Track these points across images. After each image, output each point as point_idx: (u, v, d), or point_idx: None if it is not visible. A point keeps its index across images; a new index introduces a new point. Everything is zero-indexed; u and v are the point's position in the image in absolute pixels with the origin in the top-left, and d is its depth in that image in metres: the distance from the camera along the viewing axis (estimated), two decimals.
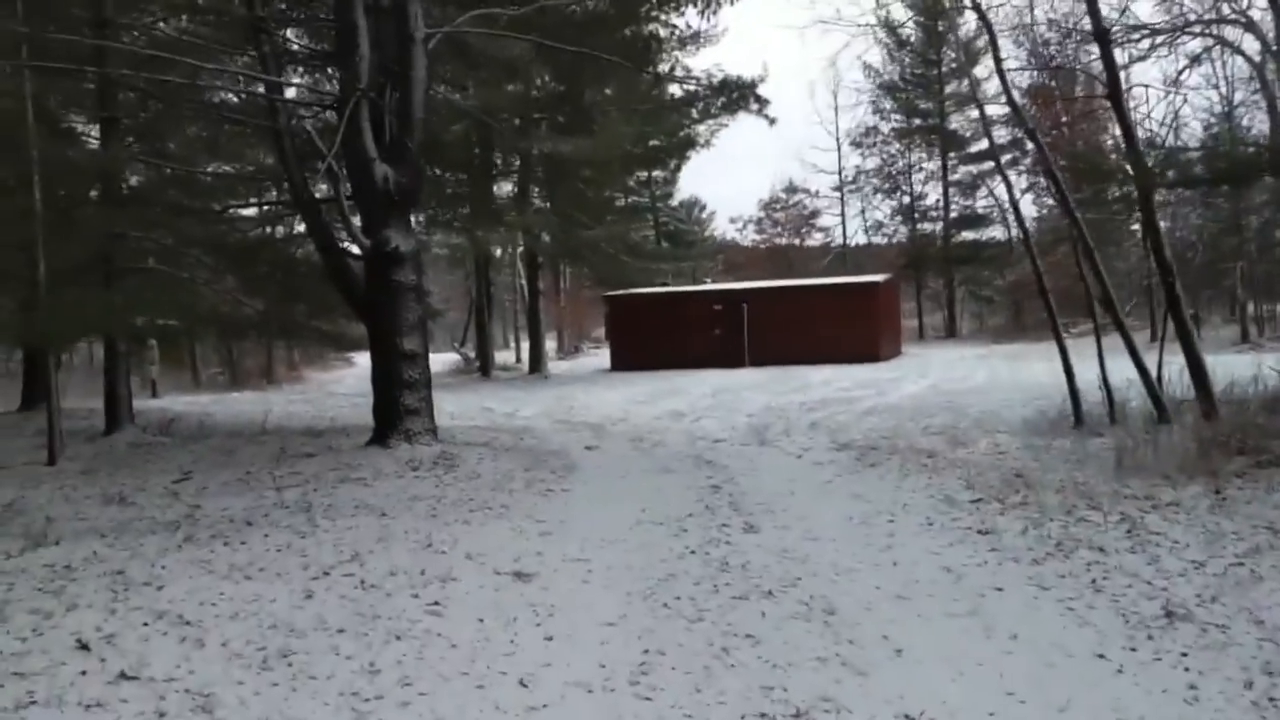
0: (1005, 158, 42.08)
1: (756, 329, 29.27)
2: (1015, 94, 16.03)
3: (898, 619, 5.12)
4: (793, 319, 29.01)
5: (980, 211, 44.37)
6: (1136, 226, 38.19)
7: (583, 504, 8.98)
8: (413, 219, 13.24)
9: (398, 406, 11.61)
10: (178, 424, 17.07)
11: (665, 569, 6.31)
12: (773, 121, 14.02)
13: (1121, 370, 12.84)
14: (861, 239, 48.21)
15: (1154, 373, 12.57)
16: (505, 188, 31.53)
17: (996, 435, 12.70)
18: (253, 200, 17.15)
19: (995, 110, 41.50)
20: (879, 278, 32.12)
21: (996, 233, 44.48)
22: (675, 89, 31.10)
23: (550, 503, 9.03)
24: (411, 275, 11.71)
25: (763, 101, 13.68)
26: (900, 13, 42.27)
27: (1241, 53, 34.45)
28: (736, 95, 13.72)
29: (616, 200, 35.85)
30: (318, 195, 12.85)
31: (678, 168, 46.53)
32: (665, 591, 5.77)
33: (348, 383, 31.24)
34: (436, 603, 5.60)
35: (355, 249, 11.83)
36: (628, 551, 6.92)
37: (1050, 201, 41.38)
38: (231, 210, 16.52)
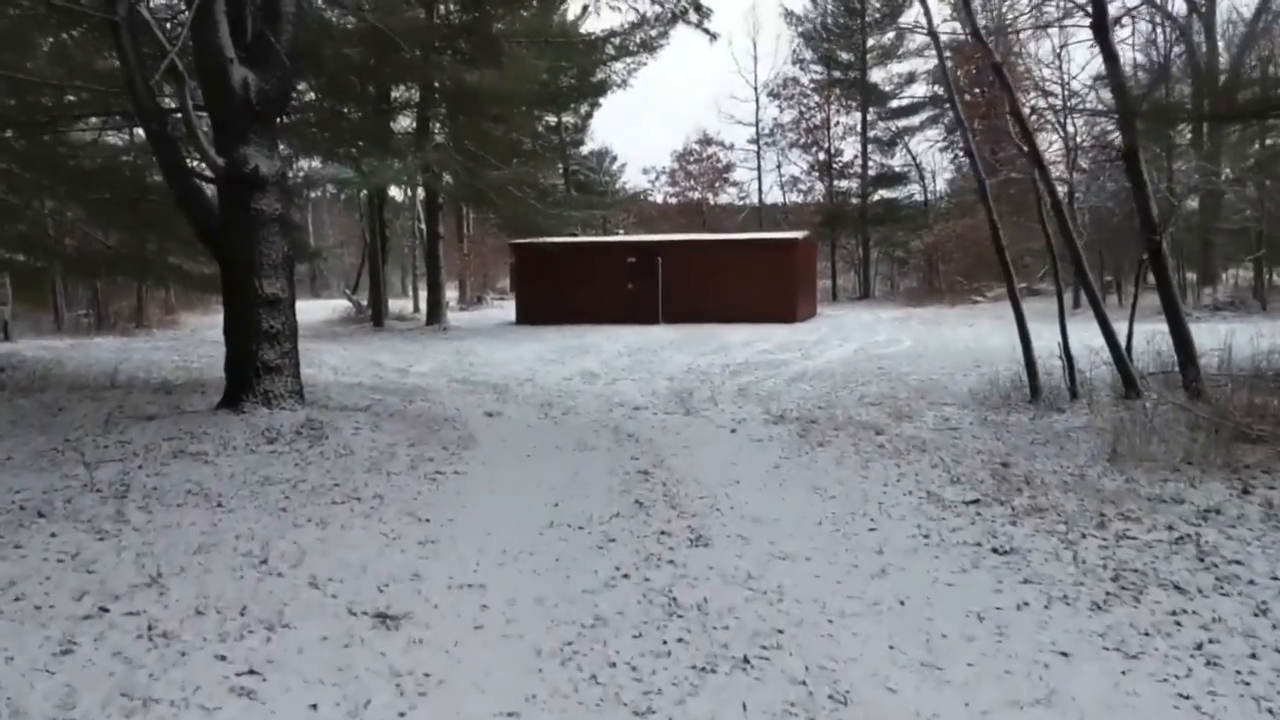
0: (930, 113, 41.28)
1: (671, 284, 27.64)
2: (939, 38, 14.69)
3: (942, 712, 3.47)
4: (709, 275, 27.43)
5: (898, 170, 43.26)
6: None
7: (480, 493, 7.17)
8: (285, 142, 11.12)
9: (254, 362, 9.58)
10: (9, 374, 14.74)
11: (589, 607, 4.55)
12: (714, 37, 12.27)
13: (1089, 342, 11.55)
14: (776, 195, 46.80)
15: (1121, 341, 11.33)
16: (404, 123, 29.16)
17: (943, 408, 11.32)
18: (91, 115, 14.59)
19: (925, 64, 40.56)
20: (798, 234, 30.69)
21: (913, 192, 43.53)
22: (590, 25, 29.23)
23: (438, 492, 7.19)
24: (275, 204, 9.64)
25: (704, 11, 11.86)
26: None
27: (1169, 15, 33.72)
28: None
29: (524, 143, 33.68)
30: (167, 105, 10.61)
31: (589, 114, 44.51)
32: (592, 652, 3.99)
33: None
34: (252, 670, 3.75)
35: (209, 170, 9.71)
36: (537, 573, 5.14)
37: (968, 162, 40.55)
38: (58, 121, 14.02)
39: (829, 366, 16.18)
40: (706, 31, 12.32)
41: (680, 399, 12.62)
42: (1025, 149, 12.17)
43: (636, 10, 12.60)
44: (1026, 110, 32.51)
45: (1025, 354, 11.67)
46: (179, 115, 9.52)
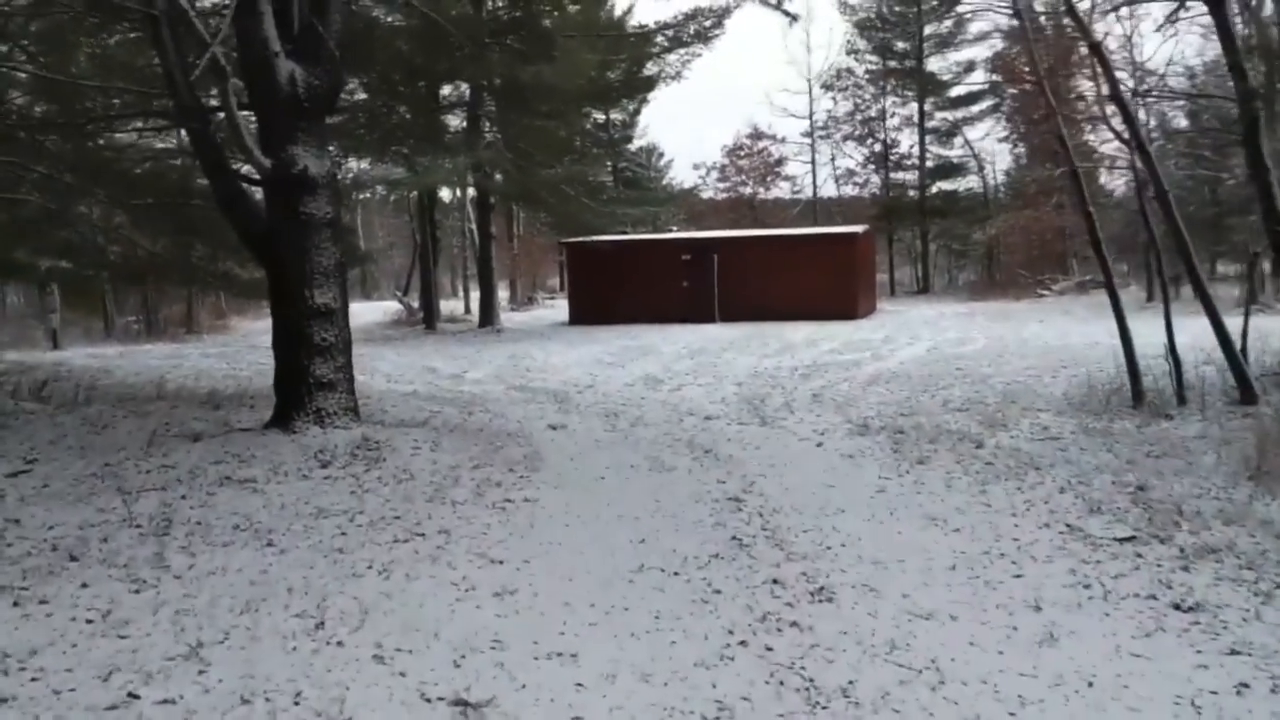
0: (990, 102, 40.08)
1: (727, 281, 26.82)
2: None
3: None
4: (766, 271, 26.59)
5: (956, 161, 42.04)
6: (1115, 180, 36.09)
7: (555, 526, 6.43)
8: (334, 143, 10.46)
9: (306, 378, 8.90)
10: (55, 386, 14.23)
11: (707, 689, 3.77)
12: (795, 18, 11.48)
13: (1152, 336, 10.71)
14: (830, 189, 45.72)
15: (1236, 341, 10.43)
16: (454, 122, 28.62)
17: (1038, 414, 10.49)
18: (132, 116, 13.96)
19: (984, 52, 39.31)
20: (858, 228, 29.75)
21: (973, 184, 42.29)
22: (639, 16, 28.58)
23: (509, 524, 6.47)
24: (326, 207, 8.97)
25: None
26: None
27: None
28: None
29: (575, 141, 33.03)
30: (210, 102, 9.98)
31: (638, 110, 43.79)
32: None
33: None
34: None
35: (255, 171, 9.07)
36: (635, 637, 4.38)
37: (1021, 151, 39.22)
38: (99, 124, 13.43)
39: (903, 368, 15.35)
40: (786, 13, 11.55)
41: (753, 406, 11.88)
42: (1126, 134, 11.26)
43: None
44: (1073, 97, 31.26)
45: (1126, 354, 10.80)
46: (222, 114, 8.88)
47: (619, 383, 14.68)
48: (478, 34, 21.76)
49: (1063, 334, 19.97)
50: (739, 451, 9.04)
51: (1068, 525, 5.93)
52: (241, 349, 23.54)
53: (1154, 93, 19.06)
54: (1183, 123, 32.76)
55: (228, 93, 8.15)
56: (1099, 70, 11.66)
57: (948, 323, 24.54)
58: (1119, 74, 25.92)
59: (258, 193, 9.64)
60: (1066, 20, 23.92)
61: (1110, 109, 13.55)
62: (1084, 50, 30.32)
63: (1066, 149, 12.40)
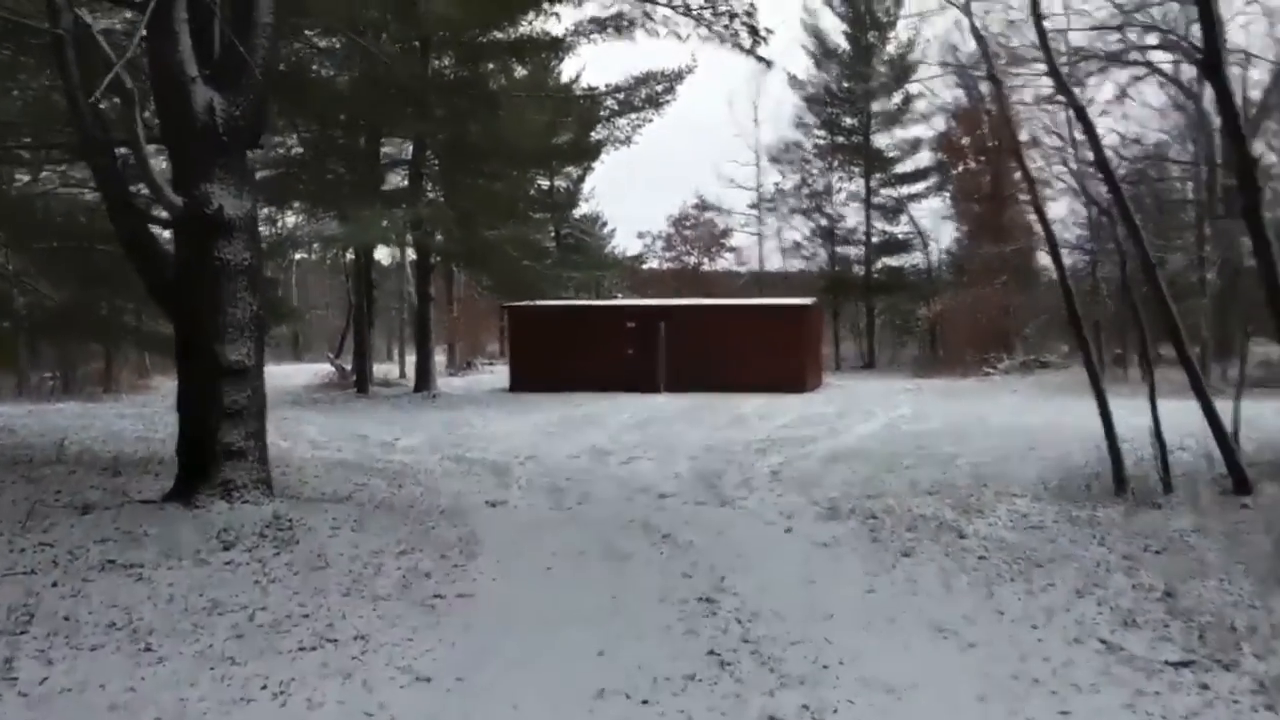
0: (929, 181, 40.20)
1: (674, 350, 25.95)
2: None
3: None
4: (715, 342, 25.77)
5: (901, 237, 41.97)
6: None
7: (494, 631, 5.40)
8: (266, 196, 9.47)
9: (213, 445, 7.81)
10: None
11: None
12: (769, 65, 10.82)
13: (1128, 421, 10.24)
14: (775, 261, 45.36)
15: (1223, 427, 9.78)
16: (395, 179, 27.72)
17: (1014, 499, 9.81)
18: (31, 148, 12.71)
19: (929, 131, 39.46)
20: (807, 300, 29.23)
21: (918, 261, 42.20)
22: (589, 79, 28.18)
23: (440, 626, 5.43)
24: (243, 252, 7.94)
25: (758, 35, 10.15)
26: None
27: (1177, 81, 32.56)
28: (725, 18, 10.21)
29: (519, 204, 32.32)
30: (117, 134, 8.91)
31: (583, 176, 43.27)
32: None
33: None
34: None
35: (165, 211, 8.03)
36: None
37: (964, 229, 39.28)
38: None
39: (862, 445, 14.58)
40: (760, 59, 10.76)
41: (709, 484, 11.02)
42: (1113, 210, 10.70)
43: (678, 35, 10.86)
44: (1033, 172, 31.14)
45: (1108, 437, 10.10)
46: (123, 144, 7.88)
47: (562, 454, 13.70)
48: (420, 83, 20.96)
49: (1017, 413, 19.40)
50: (700, 537, 8.10)
51: (1102, 641, 5.04)
52: (160, 410, 22.01)
53: (1140, 160, 18.69)
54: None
55: (134, 120, 7.16)
56: (1077, 137, 11.14)
57: (898, 399, 23.86)
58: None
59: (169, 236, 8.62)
60: (1015, 97, 23.81)
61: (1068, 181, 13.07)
62: (1023, 135, 30.35)
63: (1044, 220, 11.83)
